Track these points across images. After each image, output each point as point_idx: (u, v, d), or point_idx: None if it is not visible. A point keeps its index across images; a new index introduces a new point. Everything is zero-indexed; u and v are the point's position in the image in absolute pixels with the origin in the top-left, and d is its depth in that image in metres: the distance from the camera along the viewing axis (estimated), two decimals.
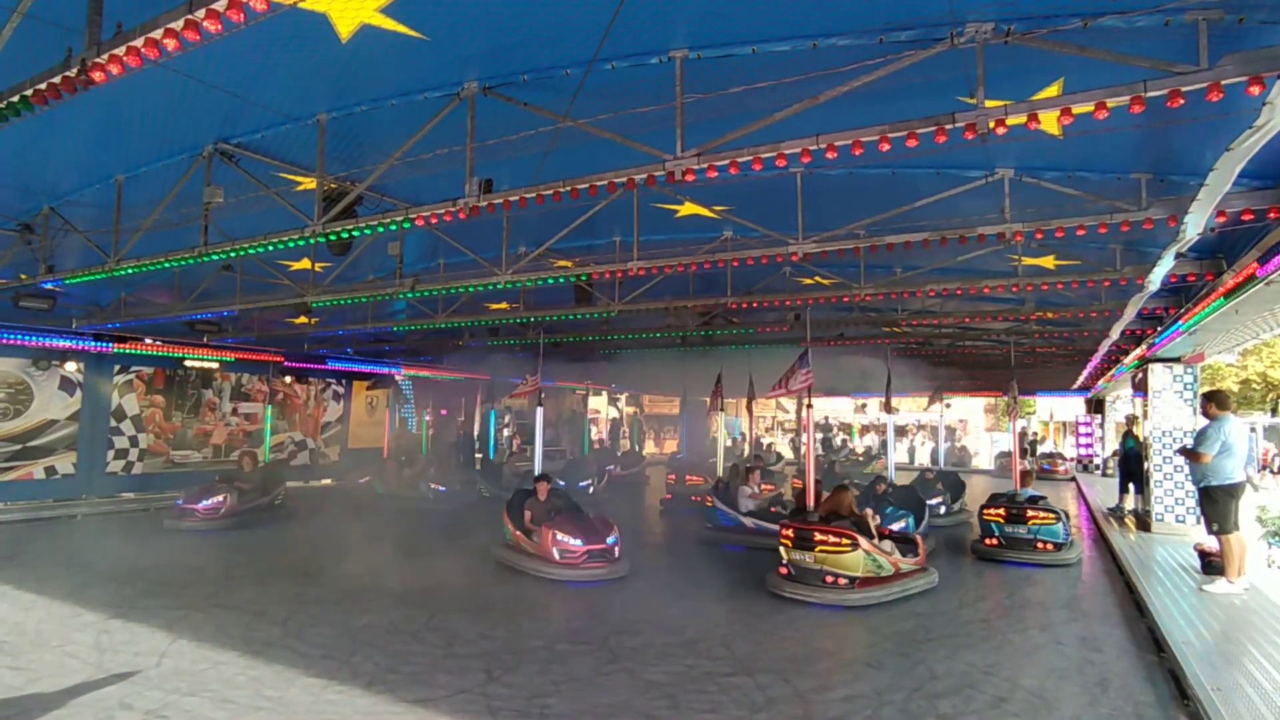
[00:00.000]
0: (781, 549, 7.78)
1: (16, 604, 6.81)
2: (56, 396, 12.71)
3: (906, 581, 7.62)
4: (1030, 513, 9.44)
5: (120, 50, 3.66)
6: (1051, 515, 9.34)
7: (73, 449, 12.90)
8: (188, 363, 14.44)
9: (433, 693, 4.90)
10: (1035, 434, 28.19)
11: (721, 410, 14.14)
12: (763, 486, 11.87)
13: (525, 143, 5.88)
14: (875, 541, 7.54)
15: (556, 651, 5.80)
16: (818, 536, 7.47)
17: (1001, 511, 9.67)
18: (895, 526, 9.12)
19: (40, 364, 12.30)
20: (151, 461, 14.21)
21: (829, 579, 7.35)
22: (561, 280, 8.83)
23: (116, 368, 13.73)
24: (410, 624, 6.43)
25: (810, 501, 8.26)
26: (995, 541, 9.59)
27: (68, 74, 3.86)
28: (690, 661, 5.64)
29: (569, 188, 5.39)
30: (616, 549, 8.42)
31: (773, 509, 10.66)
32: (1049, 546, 9.22)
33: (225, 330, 14.08)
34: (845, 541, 7.35)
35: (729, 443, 28.85)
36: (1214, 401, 7.31)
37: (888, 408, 14.31)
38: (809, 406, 9.05)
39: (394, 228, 6.38)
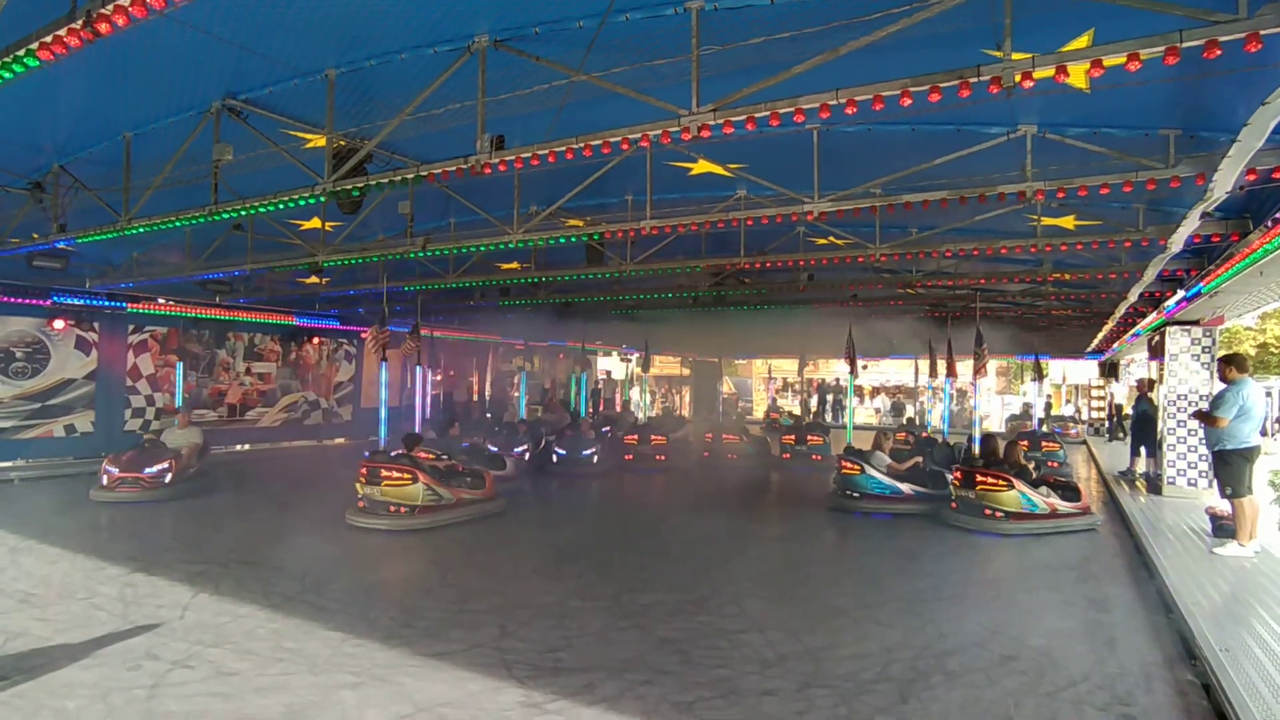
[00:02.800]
0: (951, 488, 9.65)
1: (43, 558, 6.97)
2: (73, 356, 12.84)
3: (1062, 521, 9.01)
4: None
5: (125, 0, 3.57)
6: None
7: (91, 408, 13.07)
8: (201, 322, 14.53)
9: (449, 646, 5.01)
10: (1048, 396, 28.02)
11: (853, 371, 13.90)
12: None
13: (537, 98, 5.77)
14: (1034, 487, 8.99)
15: (569, 608, 5.90)
16: (978, 477, 9.12)
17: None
18: None
19: (54, 323, 12.40)
20: (167, 420, 14.38)
21: (987, 512, 8.89)
22: (573, 240, 8.74)
23: (131, 327, 13.83)
24: (424, 580, 6.54)
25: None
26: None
27: (73, 25, 3.79)
28: (702, 619, 5.72)
29: (582, 144, 5.29)
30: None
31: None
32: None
33: (237, 290, 14.10)
34: (1001, 482, 8.93)
35: (740, 405, 28.95)
36: (1233, 365, 7.23)
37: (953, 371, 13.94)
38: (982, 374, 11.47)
39: (404, 185, 6.31)
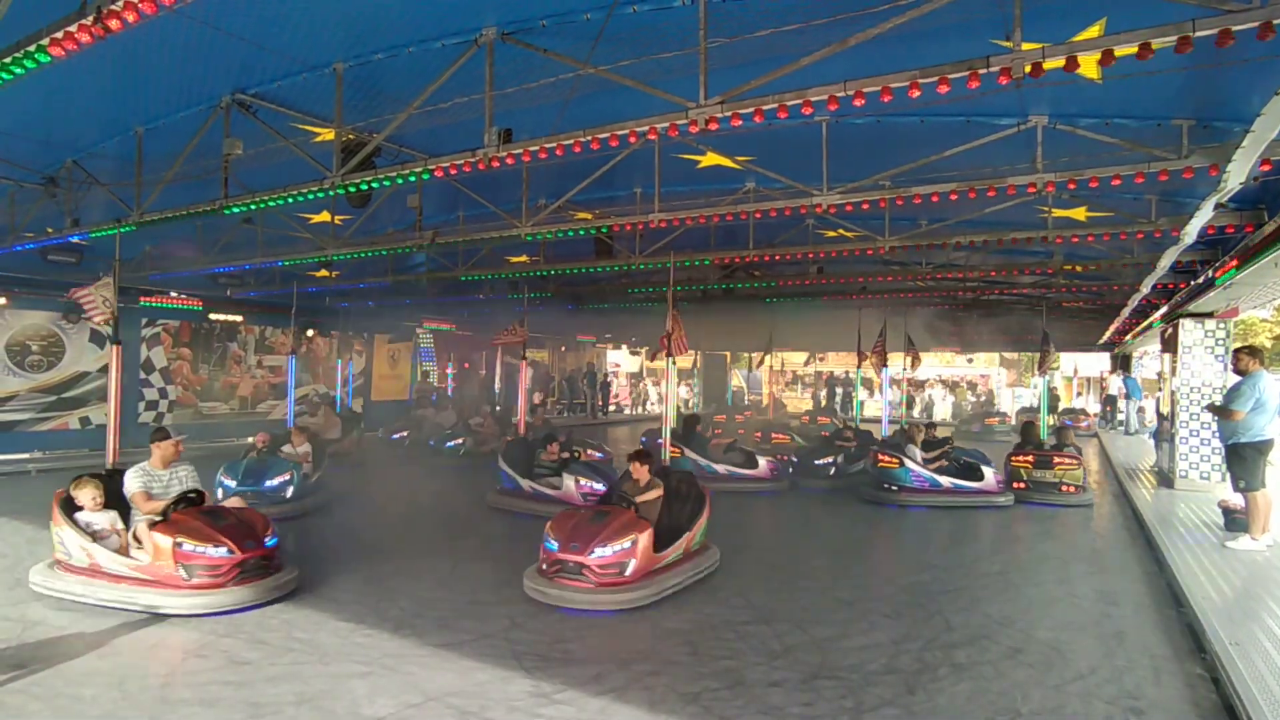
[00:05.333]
0: (1021, 470, 10.55)
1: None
2: (87, 349, 12.98)
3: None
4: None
5: None
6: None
7: (104, 400, 13.20)
8: (212, 315, 14.64)
9: (458, 637, 5.05)
10: (1054, 389, 27.85)
11: (886, 365, 13.77)
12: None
13: (545, 91, 5.77)
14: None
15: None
16: (1056, 459, 10.45)
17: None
18: None
19: (70, 317, 12.52)
20: (181, 413, 14.54)
21: (1064, 488, 10.22)
22: (582, 233, 8.75)
23: (144, 321, 13.95)
24: (434, 572, 6.59)
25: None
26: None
27: (84, 21, 3.82)
28: (708, 610, 5.74)
29: (590, 137, 5.28)
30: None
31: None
32: None
33: (248, 284, 14.21)
34: (1076, 461, 10.43)
35: (749, 398, 28.94)
36: (1249, 356, 7.16)
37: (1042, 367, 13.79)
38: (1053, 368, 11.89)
39: (413, 179, 6.32)
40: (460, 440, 13.95)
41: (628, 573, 5.79)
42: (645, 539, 5.88)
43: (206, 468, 7.82)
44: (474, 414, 15.68)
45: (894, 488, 10.27)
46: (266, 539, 5.81)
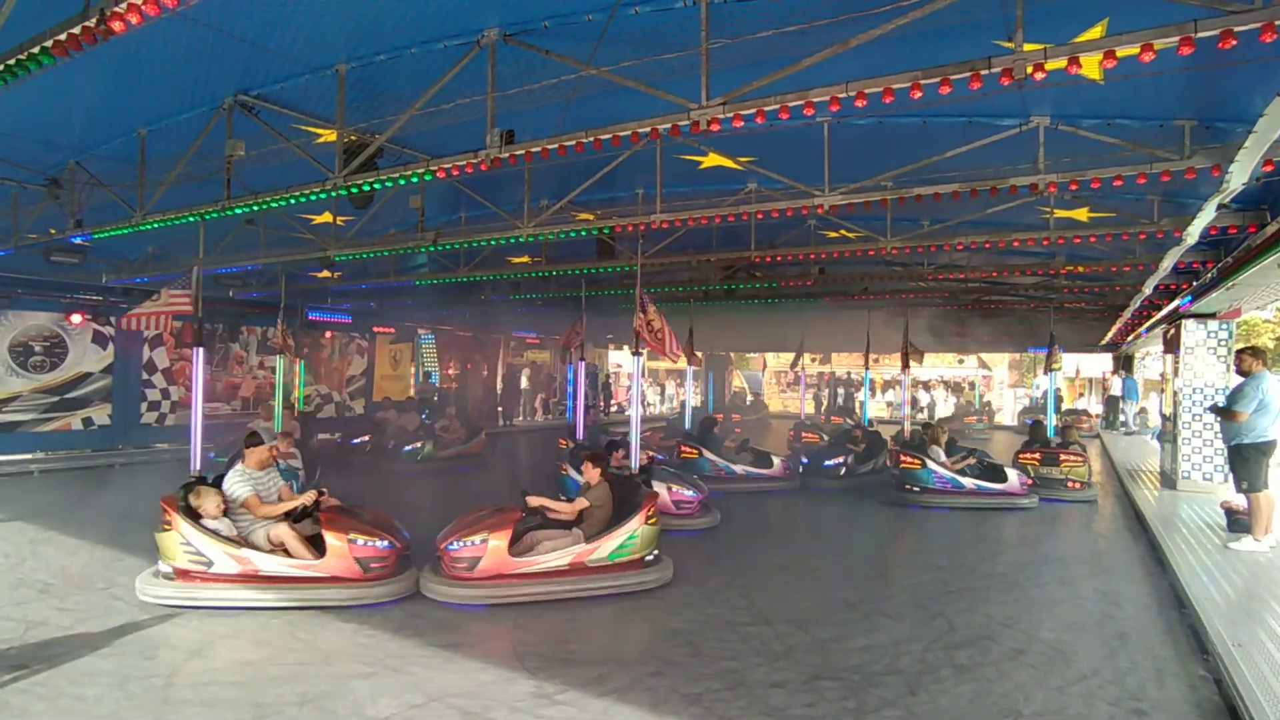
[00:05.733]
0: (1029, 467, 10.91)
1: (62, 549, 7.08)
2: (90, 350, 12.99)
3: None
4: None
5: None
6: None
7: (108, 401, 13.23)
8: (216, 317, 14.65)
9: (462, 638, 5.06)
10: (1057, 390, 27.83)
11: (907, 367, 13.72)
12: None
13: (547, 92, 5.78)
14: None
15: (581, 600, 5.93)
16: (1062, 456, 10.93)
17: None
18: None
19: (71, 317, 12.56)
20: (183, 413, 14.53)
21: (1070, 485, 10.70)
22: (584, 234, 8.76)
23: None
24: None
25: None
26: None
27: (87, 24, 3.83)
28: (710, 610, 5.74)
29: (591, 138, 5.29)
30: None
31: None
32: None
33: (250, 285, 14.22)
34: (1081, 459, 10.87)
35: (750, 399, 28.95)
36: (1252, 357, 7.15)
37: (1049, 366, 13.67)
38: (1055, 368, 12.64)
39: (415, 180, 6.33)
40: (418, 444, 13.25)
41: (474, 570, 5.83)
42: (497, 540, 5.86)
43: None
44: (439, 416, 15.07)
45: (916, 489, 10.26)
46: (402, 531, 6.11)
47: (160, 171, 7.43)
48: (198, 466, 6.36)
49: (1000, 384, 33.08)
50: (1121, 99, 5.54)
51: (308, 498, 6.01)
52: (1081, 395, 30.47)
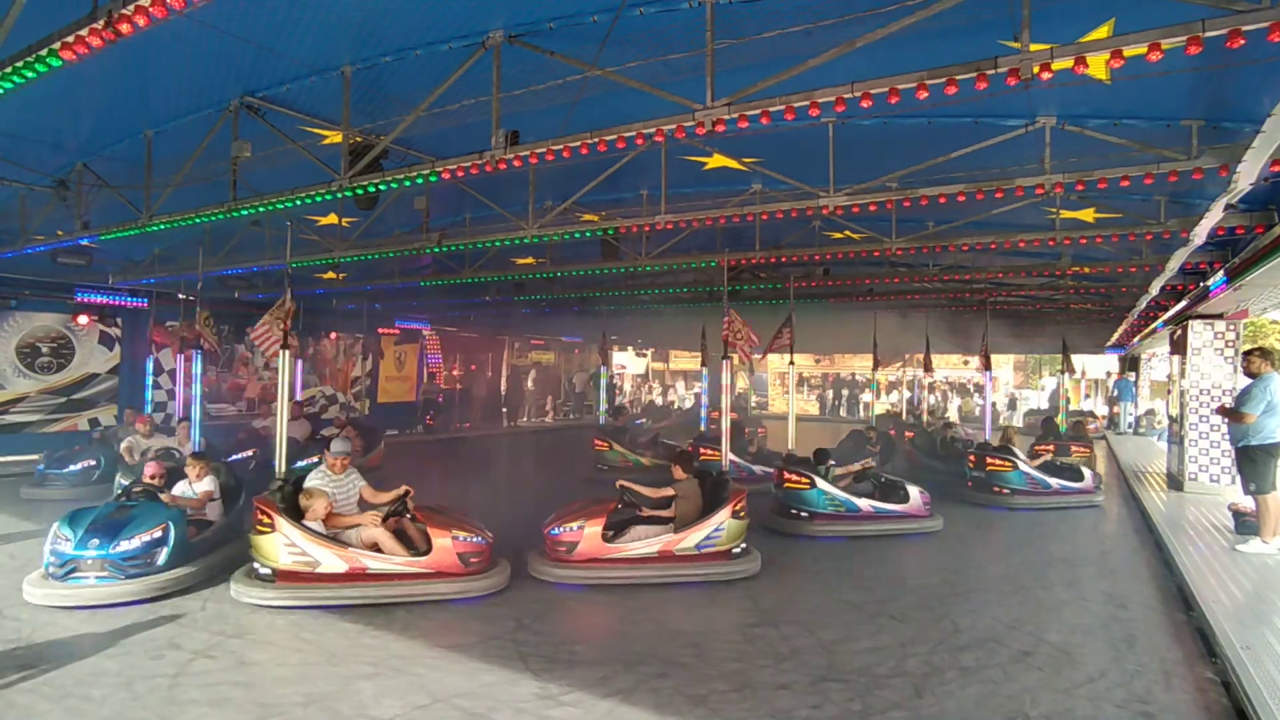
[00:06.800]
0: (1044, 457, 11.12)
1: None
2: (97, 351, 13.06)
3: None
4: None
5: (146, 0, 3.62)
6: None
7: (114, 401, 13.29)
8: (221, 317, 14.70)
9: (466, 639, 5.06)
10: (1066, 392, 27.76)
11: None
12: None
13: (552, 93, 5.78)
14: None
15: (584, 601, 5.93)
16: (1074, 447, 11.46)
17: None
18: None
19: (78, 318, 12.62)
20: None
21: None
22: (588, 234, 8.76)
23: (152, 322, 14.01)
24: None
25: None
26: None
27: (95, 26, 3.84)
28: (715, 612, 5.73)
29: (596, 139, 5.29)
30: None
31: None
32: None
33: (256, 286, 14.27)
34: (1088, 450, 11.43)
35: (753, 400, 28.91)
36: (1261, 358, 7.11)
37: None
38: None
39: (420, 181, 6.34)
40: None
41: (573, 554, 6.37)
42: (592, 526, 6.42)
43: None
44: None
45: (1006, 490, 10.35)
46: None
47: (167, 173, 7.46)
48: (282, 470, 6.41)
49: (1005, 385, 32.96)
50: (1128, 99, 5.52)
51: (395, 495, 6.19)
52: (1088, 396, 30.35)
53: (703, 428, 14.05)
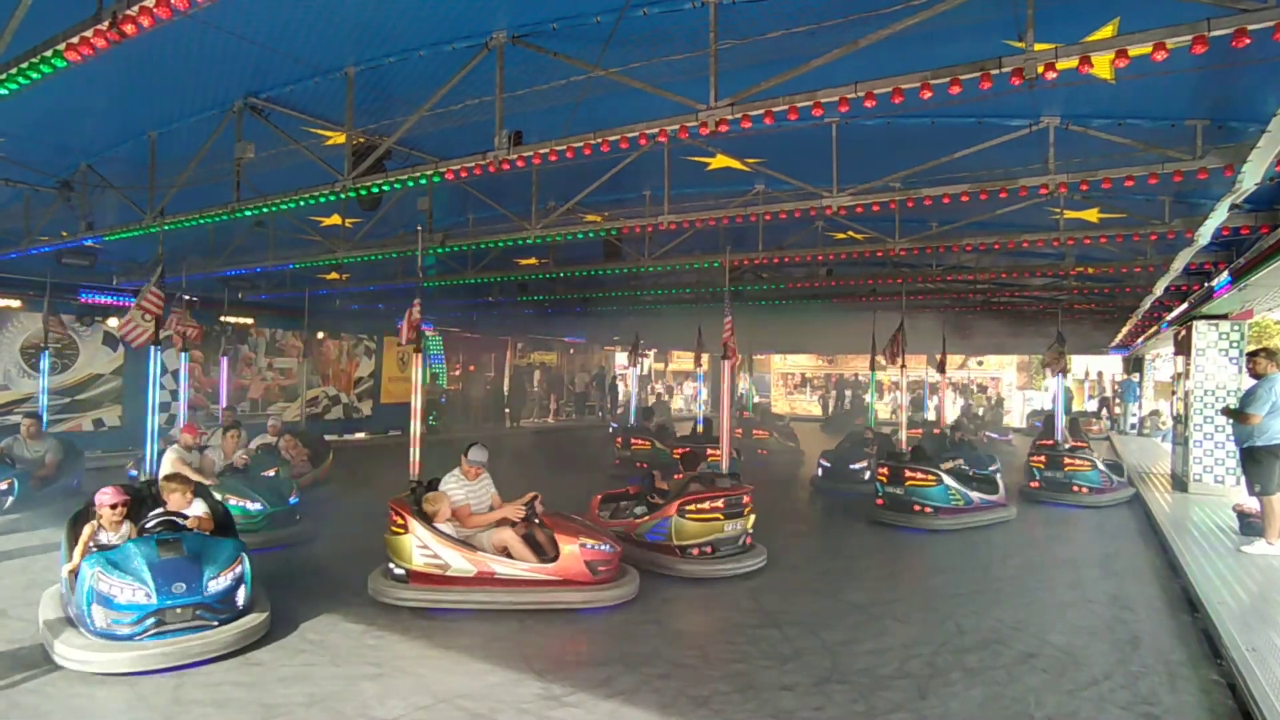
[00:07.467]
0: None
1: None
2: (101, 351, 13.09)
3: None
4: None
5: (150, 1, 3.63)
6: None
7: (118, 402, 13.32)
8: (224, 318, 14.72)
9: (469, 639, 5.05)
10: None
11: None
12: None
13: (555, 94, 5.78)
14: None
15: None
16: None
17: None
18: None
19: (84, 320, 12.64)
20: (190, 416, 14.60)
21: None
22: (591, 235, 8.76)
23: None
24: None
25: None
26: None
27: (99, 26, 3.85)
28: (718, 613, 5.72)
29: (599, 140, 5.29)
30: None
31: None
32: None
33: (259, 287, 14.29)
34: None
35: (757, 399, 28.87)
36: (1266, 359, 7.08)
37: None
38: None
39: (423, 182, 6.35)
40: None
41: None
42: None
43: None
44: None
45: (1085, 489, 10.68)
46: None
47: (170, 174, 7.48)
48: (416, 473, 6.41)
49: (1009, 386, 32.88)
50: (1133, 98, 5.51)
51: (516, 510, 6.05)
52: (1092, 397, 30.27)
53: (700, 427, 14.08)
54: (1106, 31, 4.27)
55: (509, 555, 5.78)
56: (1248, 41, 3.45)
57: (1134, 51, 3.68)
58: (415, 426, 6.60)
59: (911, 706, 4.14)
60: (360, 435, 18.24)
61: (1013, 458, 15.38)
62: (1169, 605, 6.06)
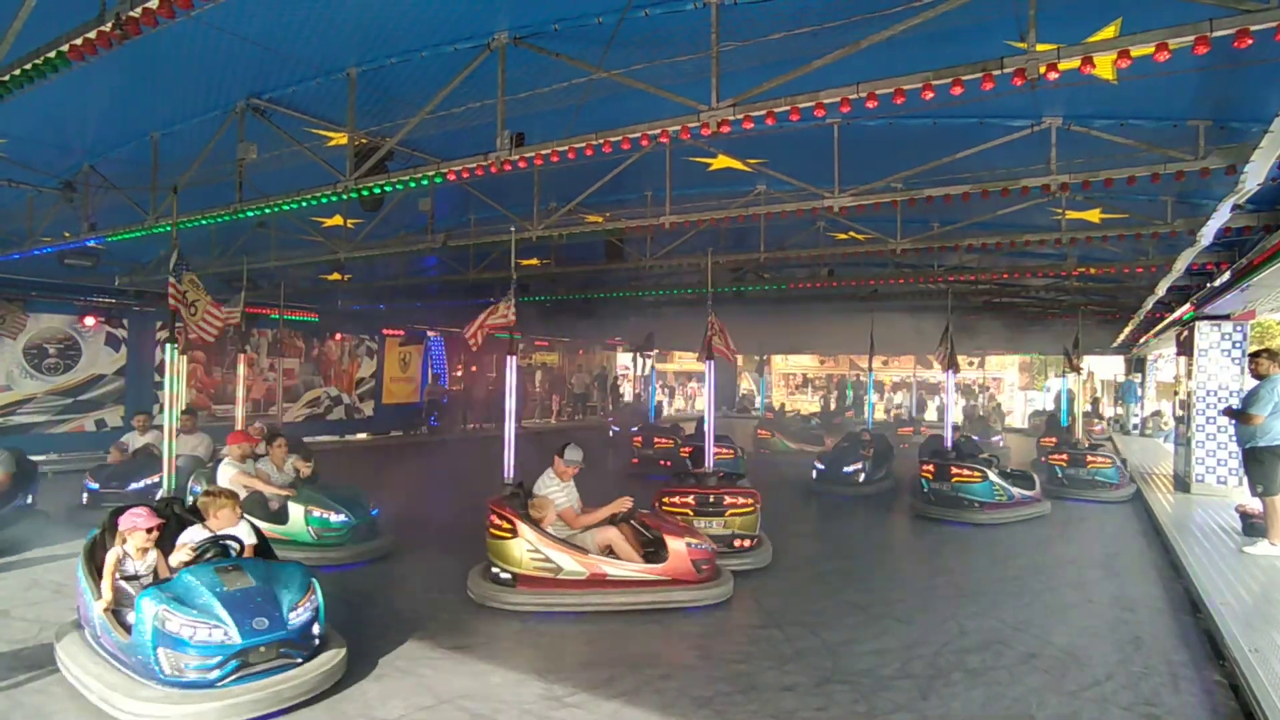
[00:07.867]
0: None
1: (75, 549, 7.11)
2: (103, 352, 13.11)
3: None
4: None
5: (153, 2, 3.64)
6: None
7: (120, 403, 13.34)
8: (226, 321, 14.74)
9: (470, 640, 5.06)
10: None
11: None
12: None
13: (557, 95, 5.79)
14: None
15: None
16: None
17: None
18: None
19: (84, 320, 12.67)
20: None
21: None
22: (593, 235, 8.76)
23: (158, 324, 14.07)
24: (442, 578, 6.59)
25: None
26: None
27: (103, 28, 3.86)
28: (720, 614, 5.72)
29: (601, 141, 5.30)
30: None
31: None
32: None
33: (261, 287, 14.31)
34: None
35: (757, 401, 28.86)
36: (1268, 359, 7.07)
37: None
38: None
39: (425, 183, 6.36)
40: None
41: None
42: None
43: None
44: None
45: (1107, 485, 11.15)
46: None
47: (173, 174, 7.48)
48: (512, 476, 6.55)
49: (1010, 386, 32.88)
50: (1135, 99, 5.51)
51: (624, 503, 6.02)
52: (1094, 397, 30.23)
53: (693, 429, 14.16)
54: (1109, 32, 4.26)
55: (612, 555, 5.76)
56: (1250, 42, 3.45)
57: (1136, 52, 3.68)
58: (510, 427, 6.63)
59: (913, 707, 4.14)
60: (362, 436, 18.24)
61: (1011, 458, 15.34)
62: (1171, 606, 6.05)
